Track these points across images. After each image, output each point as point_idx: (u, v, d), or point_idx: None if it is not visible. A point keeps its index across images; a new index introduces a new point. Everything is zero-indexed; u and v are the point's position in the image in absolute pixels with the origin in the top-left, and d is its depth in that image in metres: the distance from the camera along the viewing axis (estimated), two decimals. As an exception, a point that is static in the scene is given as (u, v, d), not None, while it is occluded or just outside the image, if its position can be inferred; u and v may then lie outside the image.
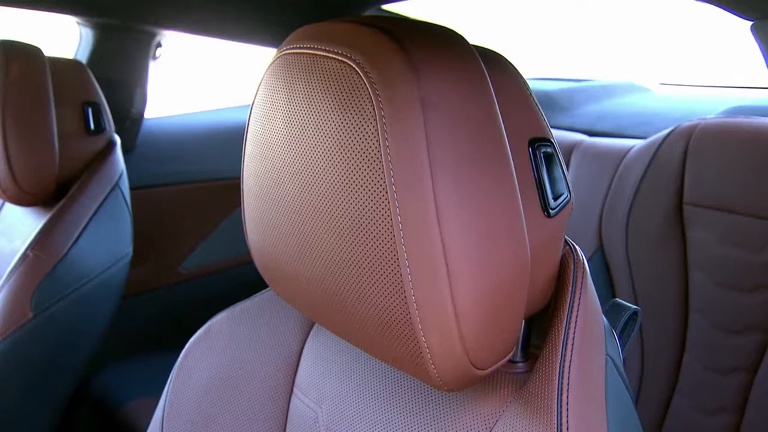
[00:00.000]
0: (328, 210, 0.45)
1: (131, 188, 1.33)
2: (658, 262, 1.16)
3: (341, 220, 0.45)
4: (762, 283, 1.05)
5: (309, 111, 0.45)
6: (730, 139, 1.10)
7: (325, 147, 0.44)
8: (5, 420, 1.12)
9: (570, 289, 0.50)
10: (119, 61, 1.50)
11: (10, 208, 1.28)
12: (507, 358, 0.48)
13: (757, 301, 1.06)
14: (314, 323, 0.65)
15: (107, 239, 1.22)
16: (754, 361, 1.06)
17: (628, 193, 1.20)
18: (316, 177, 0.45)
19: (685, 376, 1.13)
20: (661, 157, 1.17)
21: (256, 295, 0.69)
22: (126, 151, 1.49)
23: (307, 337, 0.65)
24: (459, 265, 0.42)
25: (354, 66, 0.42)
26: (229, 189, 1.67)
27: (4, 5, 1.18)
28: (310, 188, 0.46)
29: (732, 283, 1.08)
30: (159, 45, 1.55)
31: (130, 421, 1.40)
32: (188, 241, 1.64)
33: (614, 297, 1.21)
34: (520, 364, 0.52)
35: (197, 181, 1.63)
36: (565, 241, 0.52)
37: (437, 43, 0.44)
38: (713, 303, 1.11)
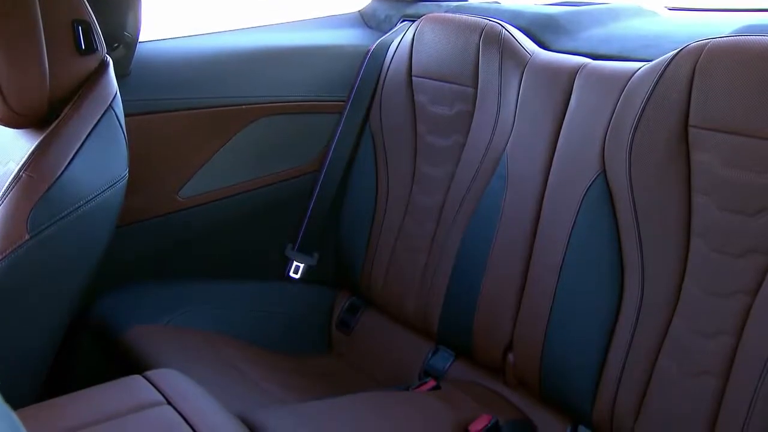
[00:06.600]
0: None
1: (126, 115, 1.30)
2: (660, 187, 1.15)
3: None
4: (766, 205, 1.04)
5: None
6: (739, 57, 1.07)
7: None
8: (4, 345, 1.13)
9: None
10: (110, -22, 1.45)
11: (2, 130, 1.26)
12: None
13: (760, 224, 1.05)
14: None
15: (102, 161, 1.20)
16: (754, 285, 1.06)
17: (632, 116, 1.18)
18: None
19: (685, 301, 1.13)
20: (667, 79, 1.14)
21: None
22: (120, 76, 1.45)
23: None
24: None
25: None
26: (227, 116, 1.64)
27: None
28: None
29: (735, 207, 1.07)
30: (151, -36, 1.50)
31: (130, 347, 1.42)
32: (186, 169, 1.62)
33: (616, 222, 1.20)
34: None
35: (193, 108, 1.60)
36: None
37: None
38: (716, 227, 1.10)
